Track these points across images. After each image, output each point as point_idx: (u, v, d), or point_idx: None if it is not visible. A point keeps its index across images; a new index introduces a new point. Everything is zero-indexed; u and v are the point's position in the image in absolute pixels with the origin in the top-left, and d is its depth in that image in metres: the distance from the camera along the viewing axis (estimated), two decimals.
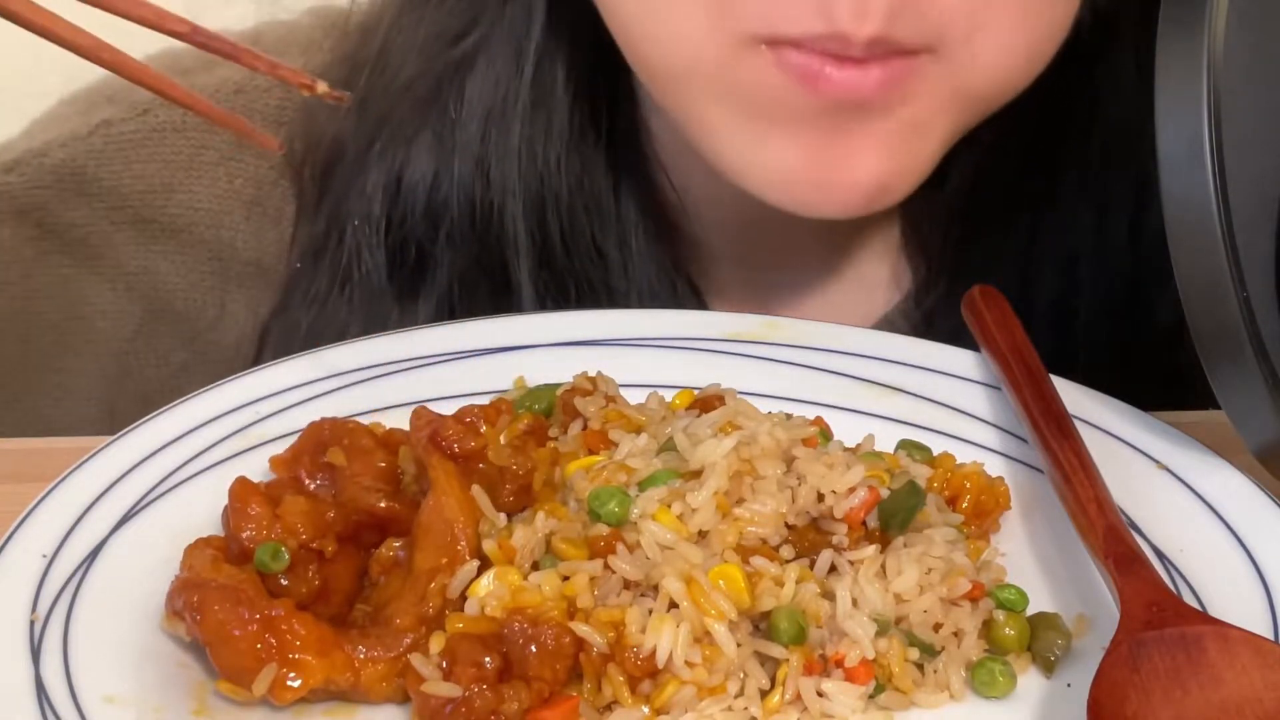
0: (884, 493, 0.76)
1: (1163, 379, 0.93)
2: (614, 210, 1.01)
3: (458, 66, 1.01)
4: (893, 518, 0.75)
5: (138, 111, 1.06)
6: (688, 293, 1.04)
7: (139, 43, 1.07)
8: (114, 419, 0.89)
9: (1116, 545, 0.74)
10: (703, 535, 0.73)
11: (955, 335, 0.95)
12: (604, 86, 1.00)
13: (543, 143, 1.00)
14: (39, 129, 1.09)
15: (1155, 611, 0.70)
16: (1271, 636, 0.71)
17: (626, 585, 0.72)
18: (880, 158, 0.88)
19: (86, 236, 1.06)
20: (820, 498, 0.75)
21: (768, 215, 0.96)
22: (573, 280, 1.01)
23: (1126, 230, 1.03)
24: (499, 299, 1.02)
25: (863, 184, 0.88)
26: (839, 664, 0.70)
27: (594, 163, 1.01)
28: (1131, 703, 0.67)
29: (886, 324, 1.06)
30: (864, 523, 0.75)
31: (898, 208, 1.05)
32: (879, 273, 1.07)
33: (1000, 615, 0.74)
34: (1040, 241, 1.03)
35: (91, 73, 1.05)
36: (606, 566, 0.72)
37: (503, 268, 1.01)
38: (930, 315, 1.04)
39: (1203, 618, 0.70)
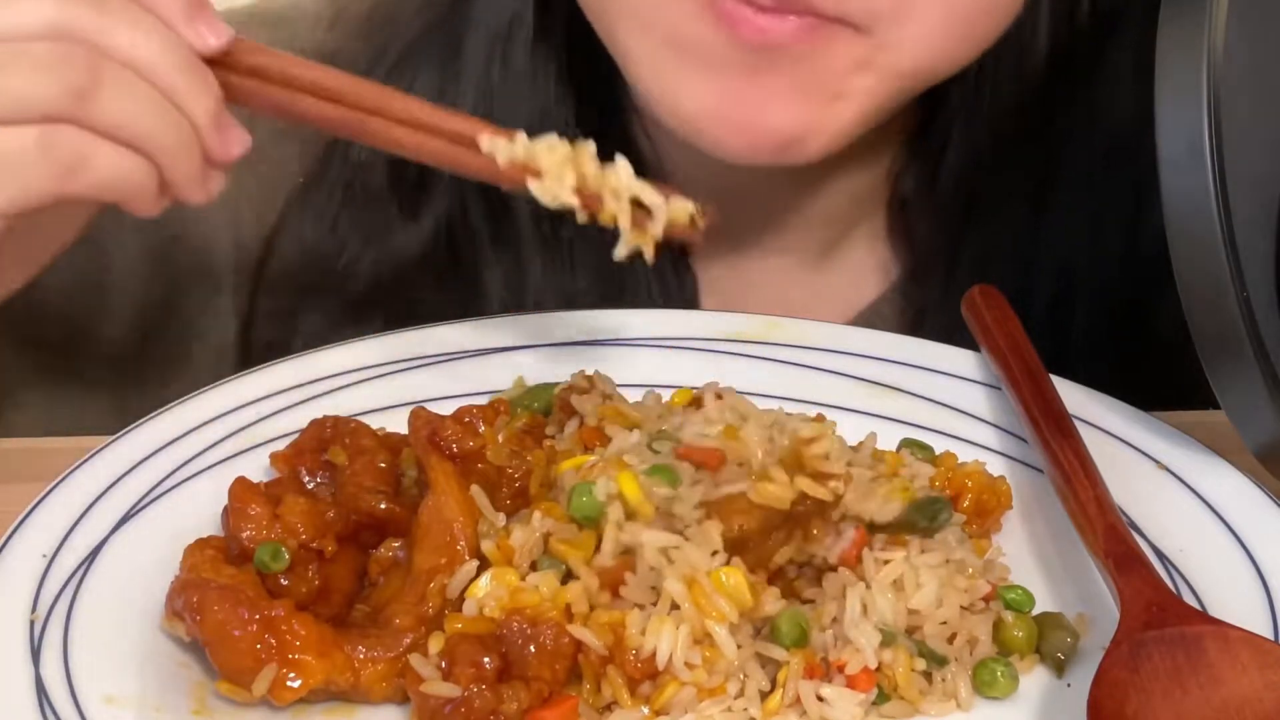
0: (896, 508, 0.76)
1: (1163, 379, 0.93)
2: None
3: None
4: (913, 527, 0.75)
5: None
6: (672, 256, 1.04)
7: None
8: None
9: (1116, 545, 0.74)
10: (683, 525, 0.73)
11: (947, 330, 0.95)
12: (599, 44, 1.01)
13: (544, 76, 1.02)
14: None
15: (1155, 611, 0.70)
16: (1271, 636, 0.71)
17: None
18: (794, 107, 0.89)
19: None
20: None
21: (748, 186, 0.97)
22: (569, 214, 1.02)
23: (1125, 229, 1.03)
24: (496, 221, 1.03)
25: (775, 130, 0.90)
26: (841, 670, 0.70)
27: (585, 111, 1.02)
28: (1132, 702, 0.67)
29: (873, 312, 1.07)
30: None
31: (884, 192, 1.06)
32: (866, 260, 1.07)
33: (1009, 616, 0.74)
34: (1037, 238, 1.03)
35: None
36: (617, 595, 0.72)
37: (500, 188, 1.03)
38: (920, 308, 1.05)
39: (1203, 618, 0.70)
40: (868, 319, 1.06)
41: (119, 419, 0.85)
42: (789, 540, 0.74)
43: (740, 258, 1.06)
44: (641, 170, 1.02)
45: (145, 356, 1.07)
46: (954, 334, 0.93)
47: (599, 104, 1.03)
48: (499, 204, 1.03)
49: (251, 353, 1.07)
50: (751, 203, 1.03)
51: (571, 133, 0.98)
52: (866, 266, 1.07)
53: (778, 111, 0.89)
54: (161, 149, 0.76)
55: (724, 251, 1.06)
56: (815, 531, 0.74)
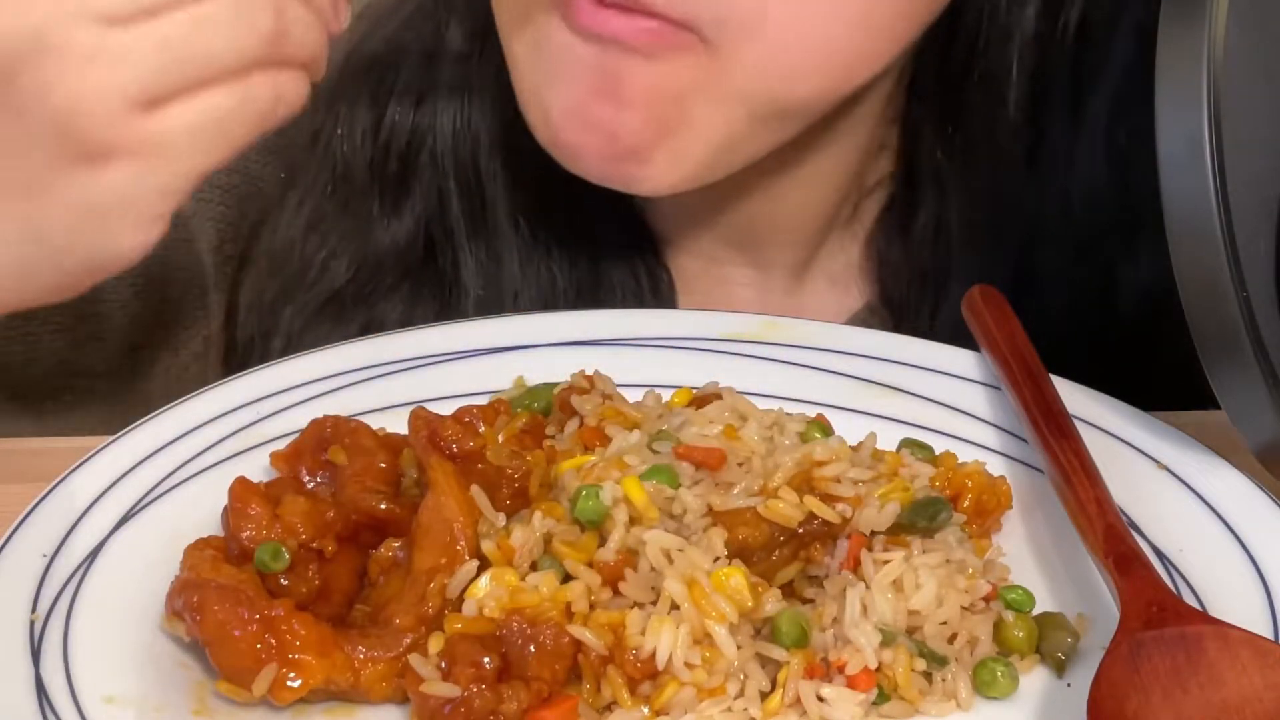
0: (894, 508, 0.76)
1: (1162, 379, 0.93)
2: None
3: None
4: (912, 527, 0.76)
5: None
6: (647, 239, 1.05)
7: None
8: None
9: (1117, 545, 0.74)
10: (684, 522, 0.74)
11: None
12: None
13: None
14: None
15: (1155, 611, 0.70)
16: (1271, 636, 0.71)
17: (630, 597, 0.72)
18: (642, 117, 0.89)
19: None
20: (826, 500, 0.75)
21: (726, 209, 0.97)
22: (545, 207, 1.03)
23: (1124, 229, 1.03)
24: (474, 218, 1.03)
25: (620, 136, 0.90)
26: (841, 670, 0.70)
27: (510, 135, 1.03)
28: (1132, 702, 0.67)
29: (858, 323, 1.06)
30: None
31: (866, 204, 1.05)
32: (847, 272, 1.07)
33: (1009, 616, 0.74)
34: (1027, 250, 1.03)
35: None
36: (617, 592, 0.72)
37: (479, 185, 1.03)
38: (899, 320, 1.04)
39: (1203, 618, 0.70)
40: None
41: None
42: (793, 560, 0.74)
43: (714, 261, 1.06)
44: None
45: (136, 385, 1.08)
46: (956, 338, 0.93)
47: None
48: (478, 201, 1.03)
49: (235, 348, 1.07)
50: (720, 211, 1.03)
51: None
52: (848, 277, 1.07)
53: (625, 119, 0.89)
54: (318, 59, 0.76)
55: (697, 251, 1.06)
56: (816, 555, 0.75)
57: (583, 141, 0.91)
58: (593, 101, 0.90)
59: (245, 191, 1.09)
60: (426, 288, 1.04)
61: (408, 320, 1.02)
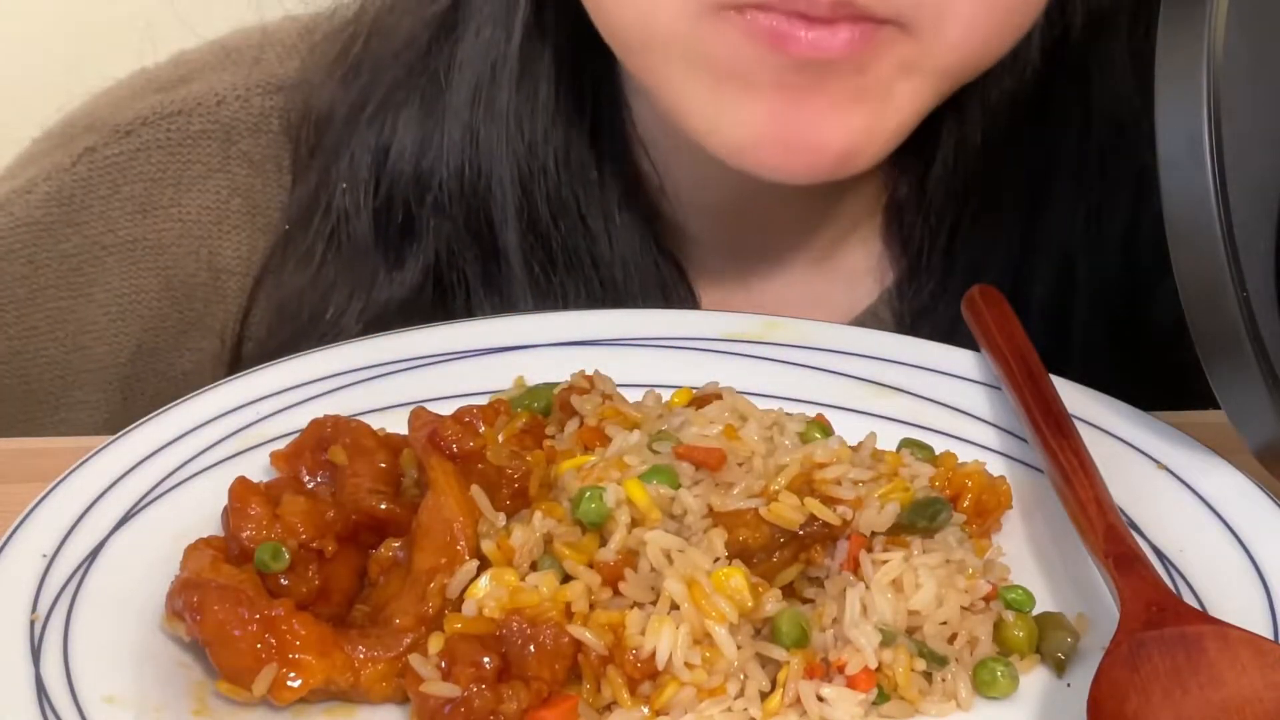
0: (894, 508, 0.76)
1: (1162, 379, 0.93)
2: (599, 185, 1.02)
3: (447, 34, 1.01)
4: (912, 528, 0.76)
5: (120, 134, 1.06)
6: (671, 271, 1.04)
7: (117, 65, 1.08)
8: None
9: (1116, 545, 0.74)
10: (685, 522, 0.74)
11: (945, 332, 0.95)
12: (589, 65, 1.00)
13: (529, 113, 1.00)
14: (19, 167, 1.09)
15: (1155, 611, 0.70)
16: (1271, 636, 0.71)
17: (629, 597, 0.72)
18: (847, 122, 0.88)
19: (80, 266, 1.06)
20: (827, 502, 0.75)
21: (750, 201, 0.97)
22: (560, 248, 1.01)
23: (1123, 228, 1.03)
24: (486, 264, 1.02)
25: (829, 147, 0.88)
26: (841, 670, 0.70)
27: (578, 138, 1.01)
28: (1131, 702, 0.67)
29: (870, 316, 1.06)
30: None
31: (880, 197, 1.05)
32: (863, 263, 1.07)
33: (1009, 616, 0.74)
34: (1033, 238, 1.03)
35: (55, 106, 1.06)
36: (617, 592, 0.72)
37: (490, 231, 1.02)
38: (917, 310, 1.04)
39: (1203, 617, 0.70)
40: (863, 323, 1.05)
41: None
42: (793, 561, 0.74)
43: (740, 271, 1.06)
44: (642, 189, 1.02)
45: (143, 379, 1.08)
46: (949, 334, 0.93)
47: (591, 132, 1.02)
48: (489, 247, 1.02)
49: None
50: (754, 215, 1.03)
51: (562, 165, 0.98)
52: (863, 269, 1.07)
53: (833, 128, 0.88)
54: None
55: (723, 267, 1.06)
56: (816, 557, 0.75)
57: (786, 161, 0.89)
58: (793, 122, 0.88)
59: (266, 222, 1.07)
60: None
61: None
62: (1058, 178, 1.03)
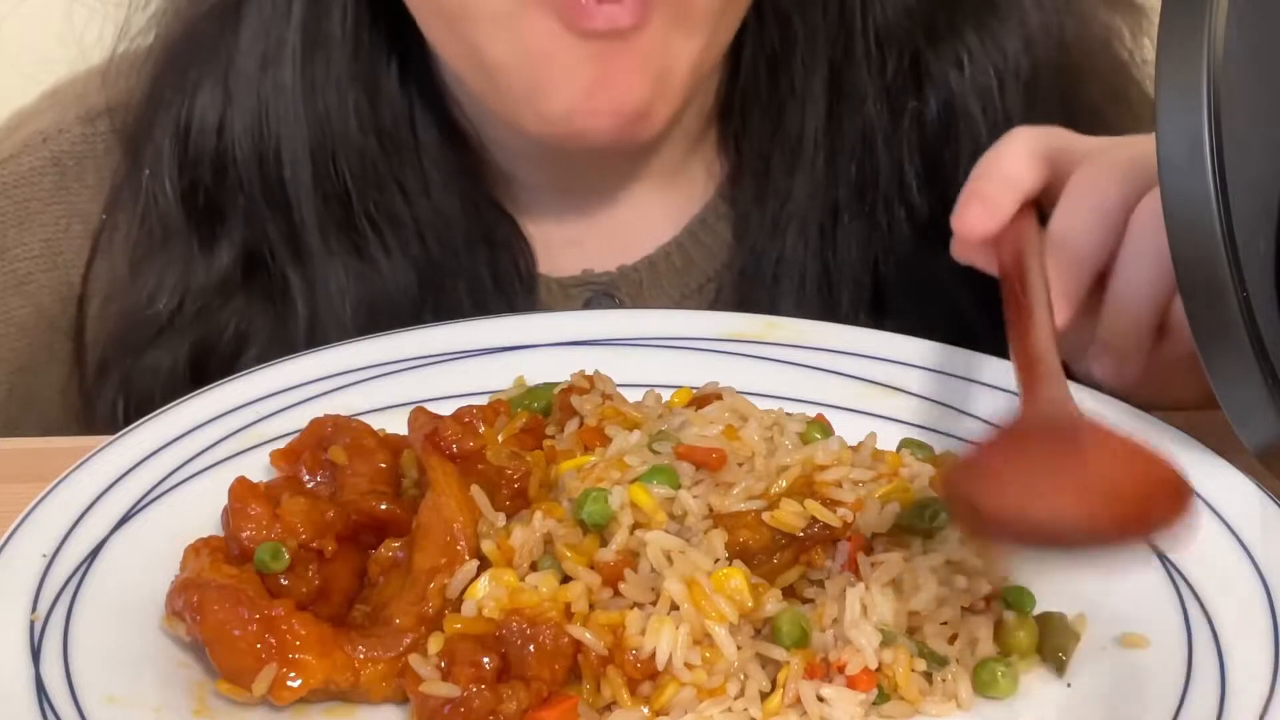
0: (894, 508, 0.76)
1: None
2: (412, 143, 1.05)
3: (232, 14, 1.03)
4: (913, 528, 0.76)
5: None
6: (495, 215, 1.07)
7: None
8: None
9: (1038, 364, 0.76)
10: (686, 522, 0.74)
11: (771, 232, 1.02)
12: (383, 27, 1.03)
13: (323, 82, 1.02)
14: None
15: (1049, 409, 0.72)
16: (1272, 636, 0.71)
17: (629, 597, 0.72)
18: (642, 84, 0.95)
19: None
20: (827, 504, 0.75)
21: (573, 148, 0.99)
22: (372, 213, 1.03)
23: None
24: (293, 239, 1.03)
25: (627, 111, 0.95)
26: (841, 670, 0.70)
27: (385, 100, 1.04)
28: (998, 477, 0.68)
29: (700, 224, 1.09)
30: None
31: (710, 114, 1.09)
32: (693, 169, 1.10)
33: (1010, 617, 0.74)
34: (839, 124, 1.06)
35: None
36: (617, 593, 0.72)
37: (288, 205, 1.03)
38: (744, 211, 1.08)
39: (1092, 423, 0.72)
40: (699, 226, 1.09)
41: None
42: (794, 564, 0.74)
43: (579, 206, 1.09)
44: (462, 144, 1.04)
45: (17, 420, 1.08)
46: (774, 236, 1.02)
47: (400, 94, 1.04)
48: (291, 221, 1.03)
49: (93, 404, 1.07)
50: (581, 164, 1.06)
51: (369, 126, 1.01)
52: (694, 174, 1.10)
53: (631, 92, 0.94)
54: None
55: (560, 205, 1.08)
56: (817, 559, 0.75)
57: (590, 127, 0.95)
58: (599, 92, 0.94)
59: (80, 231, 1.09)
60: (257, 301, 1.04)
61: (242, 335, 1.03)
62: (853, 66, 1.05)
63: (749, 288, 1.07)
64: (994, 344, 0.85)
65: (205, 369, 1.02)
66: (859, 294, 1.06)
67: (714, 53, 1.00)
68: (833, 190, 1.05)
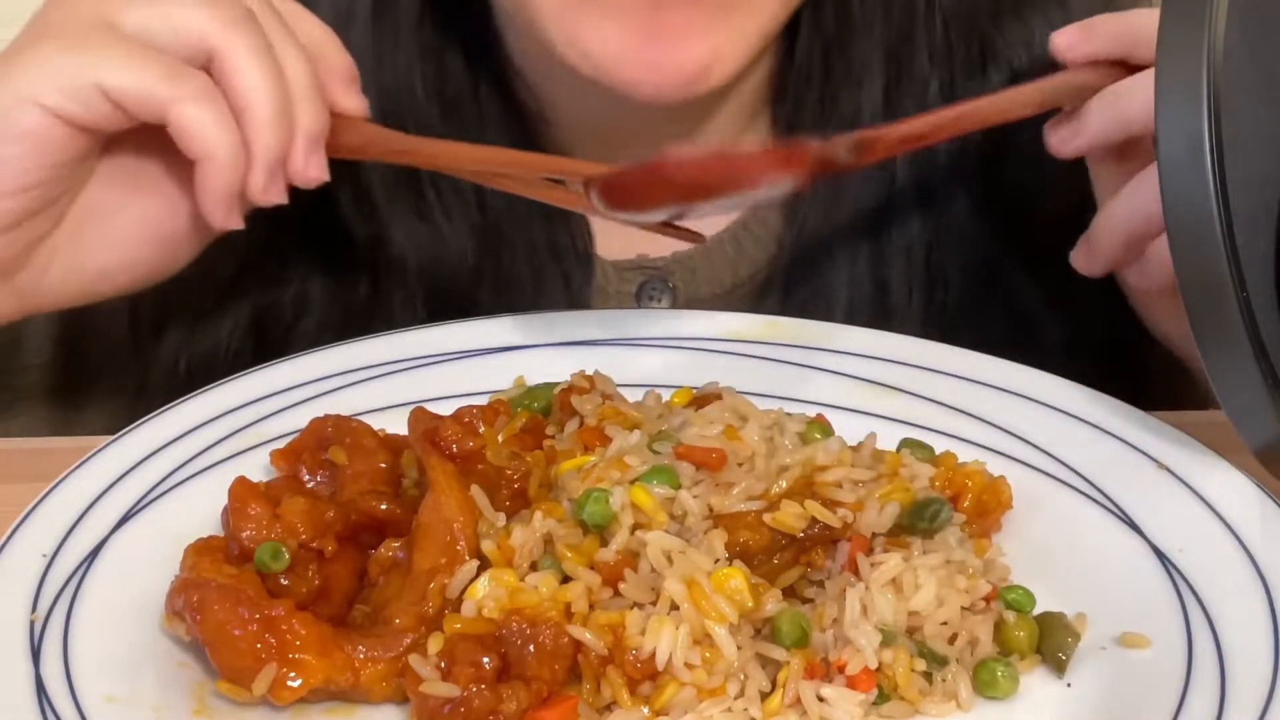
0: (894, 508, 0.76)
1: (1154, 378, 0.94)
2: (475, 113, 1.04)
3: None
4: (912, 528, 0.76)
5: None
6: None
7: None
8: None
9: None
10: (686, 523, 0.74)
11: (822, 218, 1.01)
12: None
13: (391, 48, 1.02)
14: None
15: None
16: (1272, 636, 0.71)
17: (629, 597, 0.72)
18: (703, 38, 0.91)
19: None
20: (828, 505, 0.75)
21: (631, 118, 0.98)
22: (428, 180, 1.03)
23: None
24: (359, 204, 1.03)
25: (688, 65, 0.92)
26: (841, 670, 0.70)
27: (450, 69, 1.03)
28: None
29: (752, 212, 1.08)
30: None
31: (764, 104, 1.07)
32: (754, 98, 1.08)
33: (1010, 616, 0.74)
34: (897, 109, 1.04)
35: None
36: (617, 593, 0.72)
37: (356, 169, 1.03)
38: (796, 201, 1.06)
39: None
40: (751, 214, 1.08)
41: None
42: (794, 564, 0.74)
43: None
44: (522, 117, 1.04)
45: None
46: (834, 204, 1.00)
47: (464, 63, 1.04)
48: (363, 184, 1.03)
49: (150, 363, 1.06)
50: (640, 139, 1.04)
51: (433, 94, 1.01)
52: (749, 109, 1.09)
53: (691, 45, 0.91)
54: (260, 127, 0.79)
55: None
56: (818, 560, 0.75)
57: (641, 78, 0.92)
58: (650, 40, 0.91)
59: None
60: (317, 266, 1.04)
61: (300, 300, 1.03)
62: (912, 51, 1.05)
63: (800, 274, 1.06)
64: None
65: (266, 334, 1.03)
66: (911, 277, 1.05)
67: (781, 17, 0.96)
68: (888, 175, 1.04)
